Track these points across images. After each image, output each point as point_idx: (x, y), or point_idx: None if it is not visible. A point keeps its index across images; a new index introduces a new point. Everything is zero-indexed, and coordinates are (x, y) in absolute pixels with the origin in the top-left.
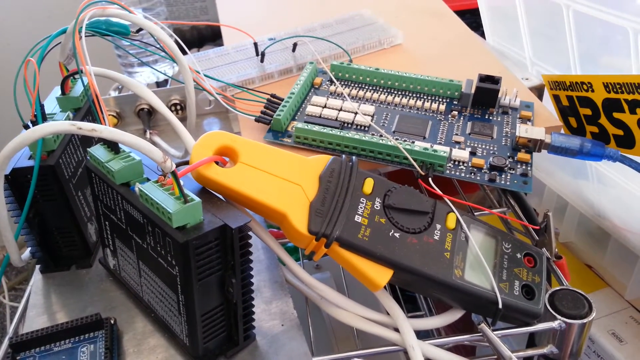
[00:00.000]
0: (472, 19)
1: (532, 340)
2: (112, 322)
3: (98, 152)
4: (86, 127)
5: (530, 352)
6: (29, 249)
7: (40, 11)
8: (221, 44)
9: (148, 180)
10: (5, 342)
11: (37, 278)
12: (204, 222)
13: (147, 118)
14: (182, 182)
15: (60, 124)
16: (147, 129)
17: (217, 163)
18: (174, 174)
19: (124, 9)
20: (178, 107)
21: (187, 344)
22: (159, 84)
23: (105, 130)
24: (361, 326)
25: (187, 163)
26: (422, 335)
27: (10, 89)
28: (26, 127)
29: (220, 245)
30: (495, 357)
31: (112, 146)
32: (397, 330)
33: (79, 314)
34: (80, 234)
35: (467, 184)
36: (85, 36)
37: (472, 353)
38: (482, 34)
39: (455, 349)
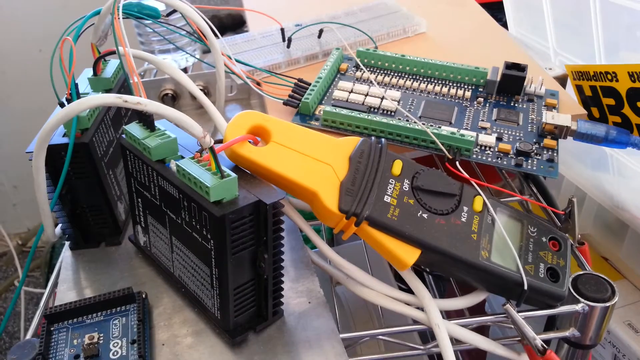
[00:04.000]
0: (490, 12)
1: (550, 324)
2: (143, 296)
3: (134, 129)
4: (132, 100)
5: (552, 334)
6: (60, 225)
7: (56, 1)
8: (242, 33)
9: (182, 157)
10: (38, 313)
11: (66, 254)
12: (239, 197)
13: (171, 103)
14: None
15: (107, 97)
16: None
17: (249, 142)
18: (212, 149)
19: None
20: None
21: (218, 317)
22: None
23: (150, 103)
24: (387, 305)
25: (220, 142)
26: None
27: (27, 76)
28: (61, 104)
29: (254, 220)
30: (518, 338)
31: (148, 124)
32: (421, 309)
33: (109, 290)
34: (110, 211)
35: (488, 173)
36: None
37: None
38: (503, 26)
39: None
